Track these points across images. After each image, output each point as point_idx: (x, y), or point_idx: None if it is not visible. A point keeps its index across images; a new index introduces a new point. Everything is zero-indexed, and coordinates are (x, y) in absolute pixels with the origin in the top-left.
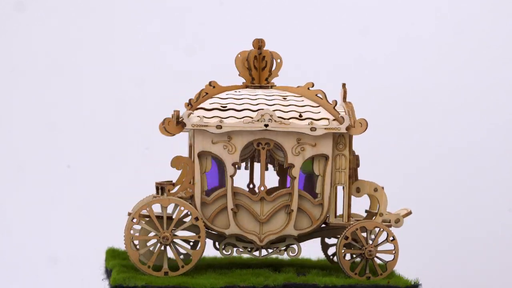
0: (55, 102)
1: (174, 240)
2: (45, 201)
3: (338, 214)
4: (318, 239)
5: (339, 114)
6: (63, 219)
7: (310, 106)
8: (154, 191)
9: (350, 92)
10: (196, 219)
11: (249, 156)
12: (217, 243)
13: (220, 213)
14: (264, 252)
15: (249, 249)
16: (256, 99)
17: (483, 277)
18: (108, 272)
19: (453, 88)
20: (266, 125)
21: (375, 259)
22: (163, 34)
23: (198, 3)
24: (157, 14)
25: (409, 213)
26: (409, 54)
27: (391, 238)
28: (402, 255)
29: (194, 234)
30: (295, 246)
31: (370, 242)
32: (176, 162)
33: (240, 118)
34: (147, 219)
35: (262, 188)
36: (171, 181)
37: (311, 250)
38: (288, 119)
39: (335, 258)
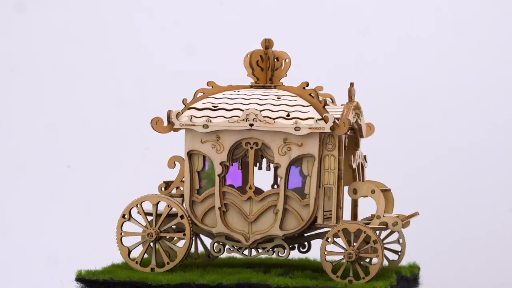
0: (55, 102)
1: (163, 237)
2: (45, 201)
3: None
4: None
5: (327, 113)
6: (63, 219)
7: (301, 105)
8: (153, 191)
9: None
10: (182, 217)
11: (242, 156)
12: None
13: (209, 212)
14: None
15: (238, 249)
16: (249, 99)
17: (483, 277)
18: None
19: (453, 88)
20: (251, 125)
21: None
22: (163, 34)
23: (198, 3)
24: (157, 14)
25: (410, 216)
26: (409, 54)
27: (373, 241)
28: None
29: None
30: (283, 247)
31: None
32: (171, 161)
33: (228, 118)
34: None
35: (250, 188)
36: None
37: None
38: (275, 118)
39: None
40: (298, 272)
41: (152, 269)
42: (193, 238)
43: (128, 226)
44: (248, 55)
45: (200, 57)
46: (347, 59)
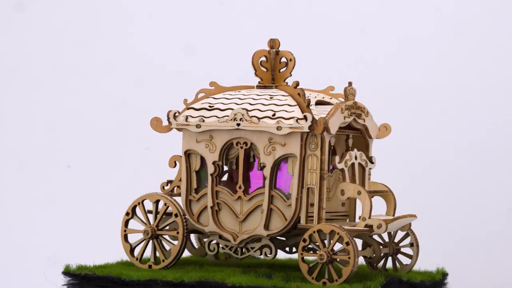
0: (55, 102)
1: (161, 234)
2: (45, 201)
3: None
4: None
5: (307, 113)
6: (63, 219)
7: (288, 105)
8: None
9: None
10: (176, 215)
11: (236, 155)
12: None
13: (204, 211)
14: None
15: (230, 248)
16: (244, 99)
17: (483, 277)
18: None
19: (453, 88)
20: (238, 124)
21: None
22: (163, 34)
23: (198, 3)
24: (157, 14)
25: (397, 218)
26: (409, 54)
27: (346, 243)
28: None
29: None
30: (270, 247)
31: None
32: (171, 161)
33: (220, 118)
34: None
35: (240, 187)
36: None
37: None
38: (261, 118)
39: (379, 264)
40: (281, 273)
41: (149, 266)
42: (187, 236)
43: (133, 224)
44: (253, 55)
45: (200, 57)
46: (347, 59)
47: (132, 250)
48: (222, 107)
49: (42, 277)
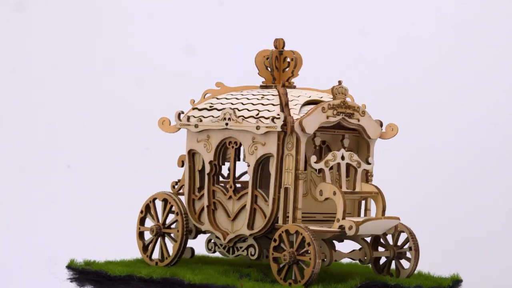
0: (55, 102)
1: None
2: (45, 201)
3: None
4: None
5: (281, 112)
6: (63, 219)
7: (272, 105)
8: (154, 191)
9: (350, 92)
10: (177, 213)
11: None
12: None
13: (203, 210)
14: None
15: (223, 247)
16: (240, 99)
17: (483, 277)
18: None
19: (453, 88)
20: (227, 124)
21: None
22: (163, 34)
23: (198, 3)
24: (157, 14)
25: (368, 220)
26: (409, 54)
27: (307, 243)
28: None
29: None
30: (254, 247)
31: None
32: (179, 160)
33: (214, 118)
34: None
35: (230, 187)
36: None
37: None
38: (247, 117)
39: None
40: (259, 274)
41: (156, 263)
42: (187, 235)
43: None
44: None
45: (200, 57)
46: (347, 59)
47: (145, 247)
48: (220, 107)
49: (42, 277)
